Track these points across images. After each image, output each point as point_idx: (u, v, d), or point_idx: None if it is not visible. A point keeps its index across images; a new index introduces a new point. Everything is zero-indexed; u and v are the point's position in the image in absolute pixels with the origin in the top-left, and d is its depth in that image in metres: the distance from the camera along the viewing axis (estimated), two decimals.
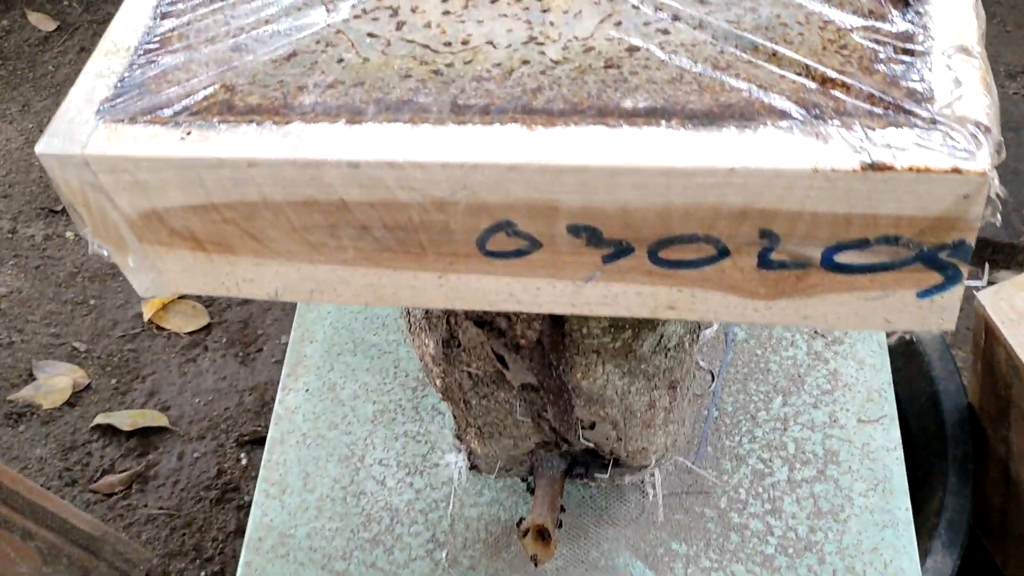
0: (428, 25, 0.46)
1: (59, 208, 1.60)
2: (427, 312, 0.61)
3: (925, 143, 0.37)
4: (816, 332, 0.85)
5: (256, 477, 0.82)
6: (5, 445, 1.32)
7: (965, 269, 0.40)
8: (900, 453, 0.76)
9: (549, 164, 0.39)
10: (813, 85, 0.40)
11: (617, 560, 0.74)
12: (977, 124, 0.37)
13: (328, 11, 0.47)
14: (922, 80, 0.39)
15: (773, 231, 0.40)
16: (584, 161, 0.39)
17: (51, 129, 0.44)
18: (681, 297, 0.44)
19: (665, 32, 0.43)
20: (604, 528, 0.75)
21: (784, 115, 0.39)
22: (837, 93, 0.40)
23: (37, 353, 1.41)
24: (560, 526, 0.69)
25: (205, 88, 0.44)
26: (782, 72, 0.41)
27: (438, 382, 0.65)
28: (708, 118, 0.40)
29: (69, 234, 1.57)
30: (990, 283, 0.92)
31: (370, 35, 0.46)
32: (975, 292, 0.91)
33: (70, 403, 1.36)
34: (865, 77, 0.40)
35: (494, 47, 0.44)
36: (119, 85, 0.45)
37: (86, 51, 1.80)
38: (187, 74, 0.45)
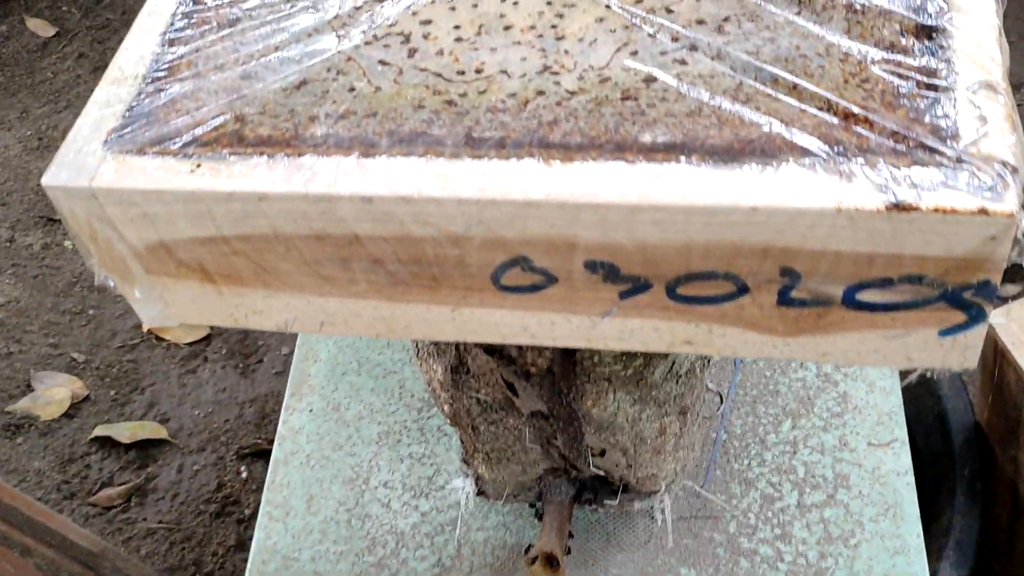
0: (440, 52, 0.45)
1: (57, 217, 1.59)
2: None
3: (951, 183, 0.36)
4: None
5: (257, 490, 0.81)
6: (3, 457, 1.31)
7: (989, 308, 0.39)
8: (911, 478, 0.76)
9: (568, 201, 0.38)
10: (835, 120, 0.39)
11: None
12: (1004, 163, 0.37)
13: (339, 37, 0.46)
14: (946, 116, 0.39)
15: (794, 269, 0.39)
16: (603, 199, 0.38)
17: (58, 160, 0.43)
18: (699, 332, 0.43)
19: (683, 63, 0.43)
20: (613, 554, 0.75)
21: (806, 152, 0.38)
22: (860, 129, 0.39)
23: (35, 364, 1.40)
24: (568, 552, 0.68)
25: (214, 118, 0.43)
26: (803, 106, 0.40)
27: (446, 408, 0.64)
28: (728, 154, 0.39)
29: (68, 243, 1.56)
30: (998, 299, 0.91)
31: (382, 63, 0.45)
32: None
33: (68, 415, 1.35)
34: (888, 113, 0.39)
35: (508, 76, 0.43)
36: (127, 115, 0.44)
37: (84, 57, 1.79)
38: (196, 103, 0.44)
